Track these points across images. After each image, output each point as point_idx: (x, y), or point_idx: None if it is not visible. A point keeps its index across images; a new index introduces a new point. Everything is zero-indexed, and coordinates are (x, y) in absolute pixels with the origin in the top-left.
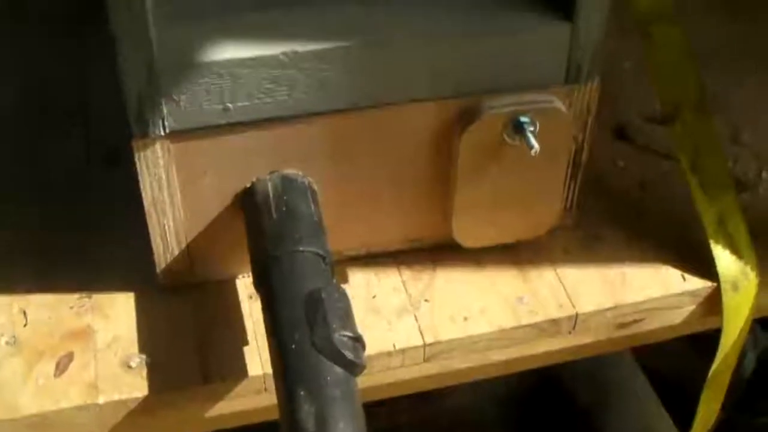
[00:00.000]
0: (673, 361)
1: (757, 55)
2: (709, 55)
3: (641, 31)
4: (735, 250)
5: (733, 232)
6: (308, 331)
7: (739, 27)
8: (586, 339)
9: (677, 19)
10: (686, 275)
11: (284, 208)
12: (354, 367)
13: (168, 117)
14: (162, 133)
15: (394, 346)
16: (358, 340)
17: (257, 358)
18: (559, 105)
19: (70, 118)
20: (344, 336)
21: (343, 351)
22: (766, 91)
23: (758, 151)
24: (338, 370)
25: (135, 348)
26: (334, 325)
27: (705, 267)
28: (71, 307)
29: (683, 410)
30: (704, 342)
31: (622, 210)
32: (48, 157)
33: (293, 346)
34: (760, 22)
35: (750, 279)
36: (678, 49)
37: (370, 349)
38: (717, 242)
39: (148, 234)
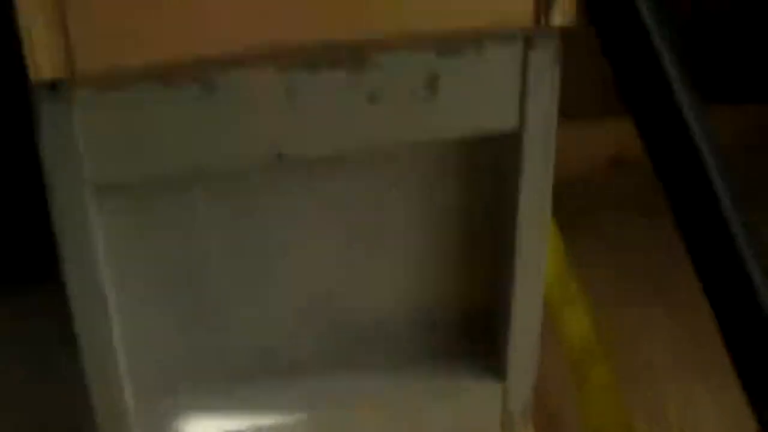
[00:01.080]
0: None
1: (697, 367)
2: (650, 368)
3: (573, 372)
4: None
5: None
6: None
7: (681, 342)
8: None
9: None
10: None
11: None
12: None
13: None
14: None
15: None
16: None
17: None
18: None
19: None
20: None
21: None
22: (703, 400)
23: None
24: None
25: None
26: None
27: None
28: None
29: None
30: None
31: None
32: None
33: None
34: (697, 332)
35: None
36: (607, 390)
37: None
38: None
39: None
